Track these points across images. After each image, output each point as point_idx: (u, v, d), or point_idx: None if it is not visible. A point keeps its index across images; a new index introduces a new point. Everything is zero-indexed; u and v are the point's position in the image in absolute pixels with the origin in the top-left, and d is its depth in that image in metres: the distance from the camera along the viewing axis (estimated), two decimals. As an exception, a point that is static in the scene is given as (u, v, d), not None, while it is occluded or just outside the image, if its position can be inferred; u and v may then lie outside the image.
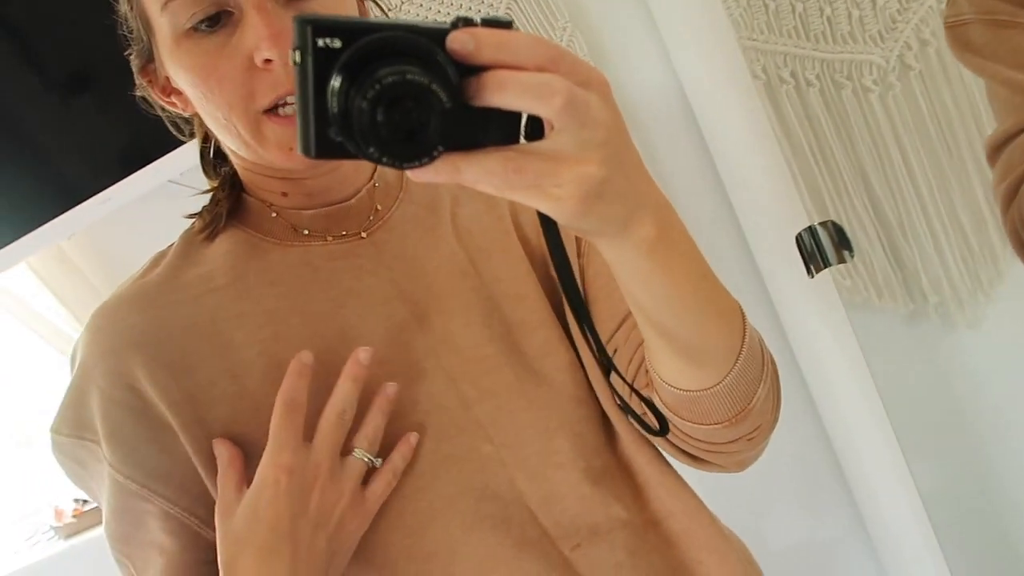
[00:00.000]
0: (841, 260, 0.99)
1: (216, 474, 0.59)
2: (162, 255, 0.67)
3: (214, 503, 0.59)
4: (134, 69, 0.63)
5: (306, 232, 0.65)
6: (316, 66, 0.36)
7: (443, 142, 0.36)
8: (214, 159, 0.70)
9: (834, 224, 0.98)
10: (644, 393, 0.61)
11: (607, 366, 0.57)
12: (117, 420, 0.60)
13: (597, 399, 0.66)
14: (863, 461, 1.38)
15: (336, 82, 0.36)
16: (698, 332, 0.52)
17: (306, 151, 0.38)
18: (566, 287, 0.52)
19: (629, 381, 0.62)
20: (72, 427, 0.62)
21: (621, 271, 0.49)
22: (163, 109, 0.66)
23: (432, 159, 0.37)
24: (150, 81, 0.64)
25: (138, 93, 0.66)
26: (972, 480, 1.49)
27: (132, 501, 0.60)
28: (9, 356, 1.72)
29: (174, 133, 0.70)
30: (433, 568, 0.60)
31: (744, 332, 0.55)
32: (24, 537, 1.62)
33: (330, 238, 0.65)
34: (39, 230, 1.18)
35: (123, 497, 0.60)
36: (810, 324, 1.26)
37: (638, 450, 0.66)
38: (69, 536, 1.52)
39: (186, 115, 0.66)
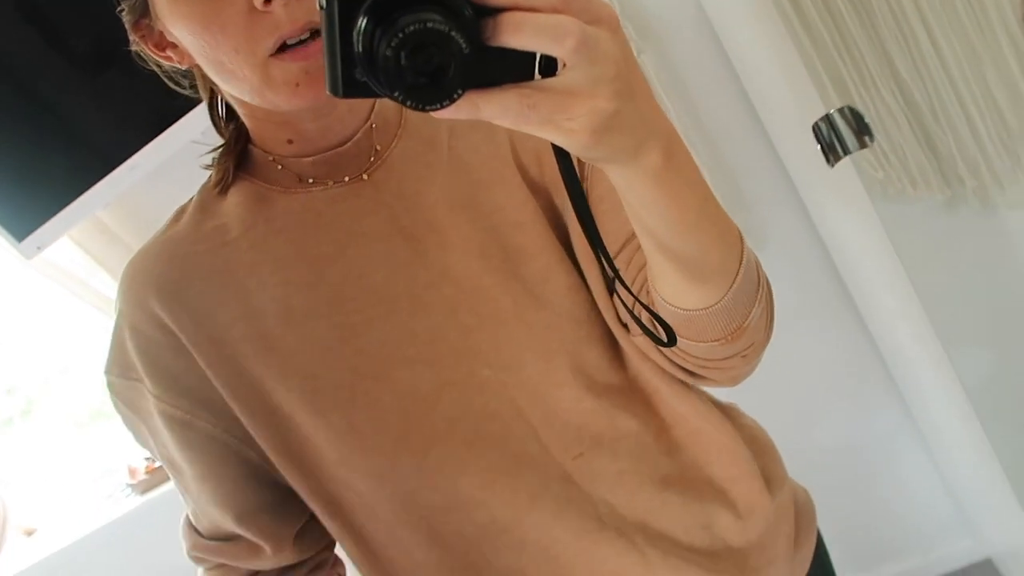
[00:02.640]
0: (862, 146, 0.96)
1: (241, 405, 0.64)
2: (182, 210, 0.71)
3: (246, 428, 0.64)
4: (126, 25, 0.63)
5: (311, 180, 0.67)
6: (342, 8, 0.38)
7: (463, 84, 0.38)
8: (223, 114, 0.70)
9: (851, 109, 0.95)
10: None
11: (618, 282, 0.58)
12: (154, 355, 0.65)
13: (601, 319, 0.68)
14: (904, 355, 1.37)
15: (361, 24, 0.38)
16: (700, 253, 0.54)
17: (334, 90, 0.40)
18: (580, 213, 0.54)
19: (635, 295, 0.63)
20: (120, 367, 0.67)
21: (629, 196, 0.51)
22: (158, 65, 0.67)
23: (453, 101, 0.39)
24: (143, 36, 0.63)
25: (132, 49, 0.66)
26: (1020, 367, 1.47)
27: (181, 430, 0.65)
28: (69, 329, 1.80)
29: (171, 87, 0.70)
30: (439, 483, 0.64)
31: (742, 254, 0.57)
32: (105, 495, 1.73)
33: (331, 183, 0.67)
34: (77, 201, 1.23)
35: (172, 427, 0.65)
36: (837, 217, 1.23)
37: (644, 363, 0.68)
38: (145, 491, 1.62)
39: (183, 68, 0.66)
